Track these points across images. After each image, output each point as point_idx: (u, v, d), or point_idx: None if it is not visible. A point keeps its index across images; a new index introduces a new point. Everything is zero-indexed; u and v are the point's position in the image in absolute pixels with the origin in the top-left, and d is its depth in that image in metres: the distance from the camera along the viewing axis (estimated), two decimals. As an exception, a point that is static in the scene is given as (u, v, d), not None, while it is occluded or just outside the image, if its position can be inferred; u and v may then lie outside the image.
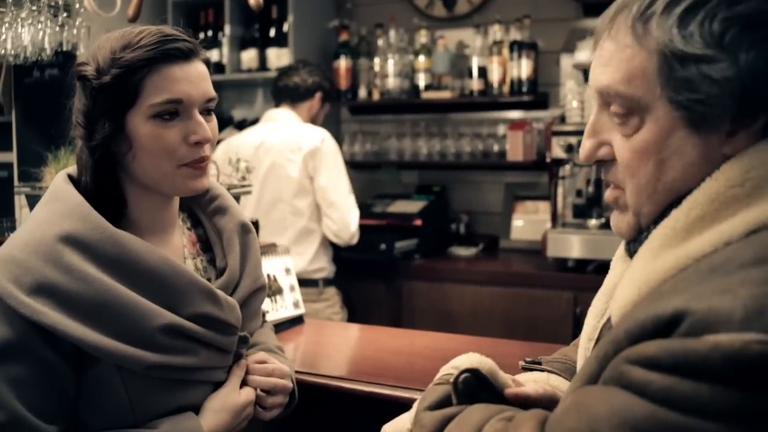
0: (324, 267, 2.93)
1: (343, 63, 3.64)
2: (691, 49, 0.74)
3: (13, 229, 1.91)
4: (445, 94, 3.50)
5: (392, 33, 3.59)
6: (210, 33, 3.79)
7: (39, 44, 1.89)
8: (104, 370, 1.06)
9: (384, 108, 3.80)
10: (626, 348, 0.68)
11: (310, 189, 2.84)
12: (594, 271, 2.92)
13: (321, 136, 2.83)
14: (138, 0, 1.89)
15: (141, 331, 1.05)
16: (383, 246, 3.21)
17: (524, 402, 0.89)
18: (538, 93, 3.38)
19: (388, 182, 3.82)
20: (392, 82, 3.56)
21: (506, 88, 3.40)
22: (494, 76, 3.40)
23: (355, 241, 2.90)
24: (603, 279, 0.96)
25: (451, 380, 0.89)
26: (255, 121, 3.27)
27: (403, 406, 1.03)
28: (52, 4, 1.93)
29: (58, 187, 1.12)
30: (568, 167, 3.07)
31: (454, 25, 3.67)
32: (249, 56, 3.72)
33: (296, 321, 2.04)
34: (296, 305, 2.05)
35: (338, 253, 3.02)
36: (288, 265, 2.09)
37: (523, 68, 3.34)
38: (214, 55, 3.75)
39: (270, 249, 2.06)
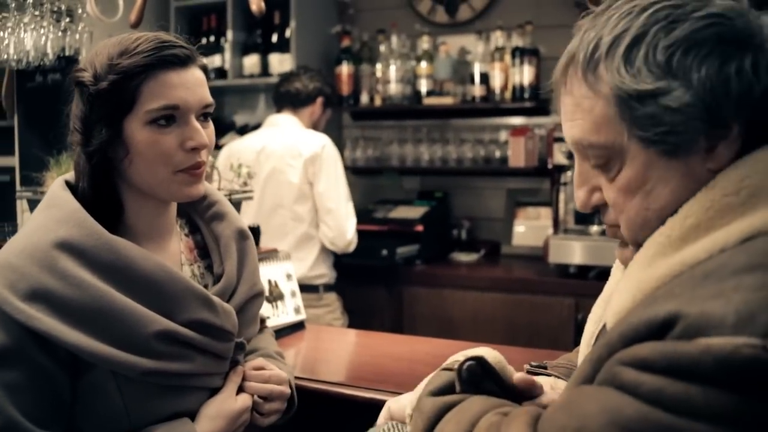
0: (324, 273, 2.92)
1: (345, 69, 3.65)
2: (644, 86, 0.75)
3: (14, 233, 1.91)
4: (447, 100, 3.50)
5: (394, 39, 3.59)
6: (212, 38, 3.80)
7: (41, 49, 1.90)
8: (99, 375, 1.06)
9: (386, 114, 3.80)
10: (620, 350, 0.69)
11: (310, 195, 2.83)
12: (596, 277, 2.91)
13: (322, 143, 2.83)
14: (140, 5, 1.89)
15: (136, 337, 1.05)
16: (385, 251, 3.22)
17: (531, 387, 0.91)
18: (540, 99, 3.37)
19: (390, 188, 3.82)
20: (394, 88, 3.56)
21: (508, 94, 3.40)
22: (496, 82, 3.40)
23: (351, 249, 2.88)
24: (604, 285, 0.97)
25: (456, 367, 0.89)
26: (257, 127, 3.26)
27: (404, 412, 1.02)
28: (55, 9, 1.93)
29: (55, 193, 1.12)
30: (569, 173, 3.06)
31: (456, 31, 3.67)
32: (251, 62, 3.73)
33: (297, 327, 2.04)
34: (297, 311, 2.04)
35: (339, 258, 3.01)
36: (289, 270, 2.08)
37: (525, 74, 3.34)
38: (216, 60, 3.76)
39: (271, 254, 2.06)
